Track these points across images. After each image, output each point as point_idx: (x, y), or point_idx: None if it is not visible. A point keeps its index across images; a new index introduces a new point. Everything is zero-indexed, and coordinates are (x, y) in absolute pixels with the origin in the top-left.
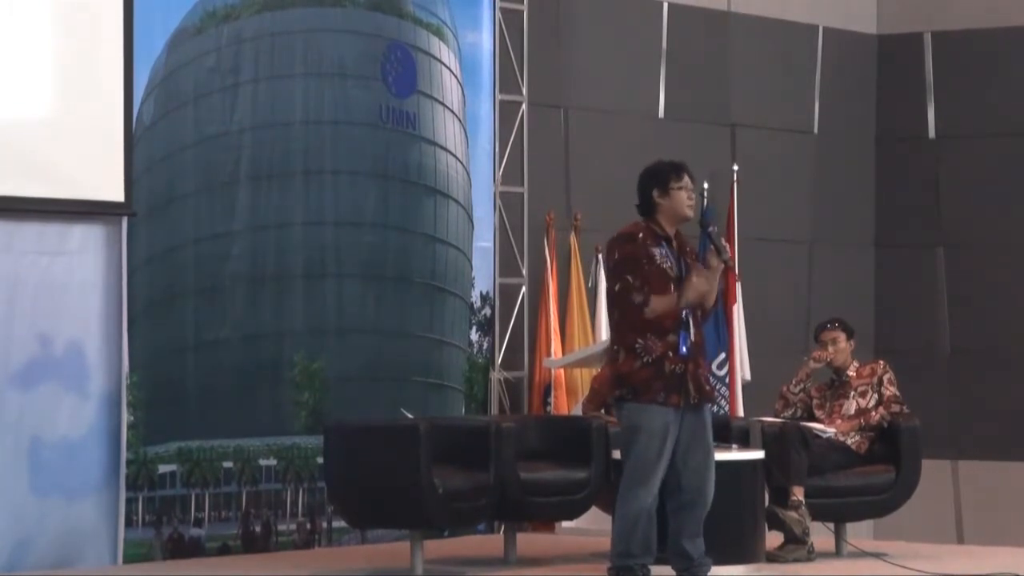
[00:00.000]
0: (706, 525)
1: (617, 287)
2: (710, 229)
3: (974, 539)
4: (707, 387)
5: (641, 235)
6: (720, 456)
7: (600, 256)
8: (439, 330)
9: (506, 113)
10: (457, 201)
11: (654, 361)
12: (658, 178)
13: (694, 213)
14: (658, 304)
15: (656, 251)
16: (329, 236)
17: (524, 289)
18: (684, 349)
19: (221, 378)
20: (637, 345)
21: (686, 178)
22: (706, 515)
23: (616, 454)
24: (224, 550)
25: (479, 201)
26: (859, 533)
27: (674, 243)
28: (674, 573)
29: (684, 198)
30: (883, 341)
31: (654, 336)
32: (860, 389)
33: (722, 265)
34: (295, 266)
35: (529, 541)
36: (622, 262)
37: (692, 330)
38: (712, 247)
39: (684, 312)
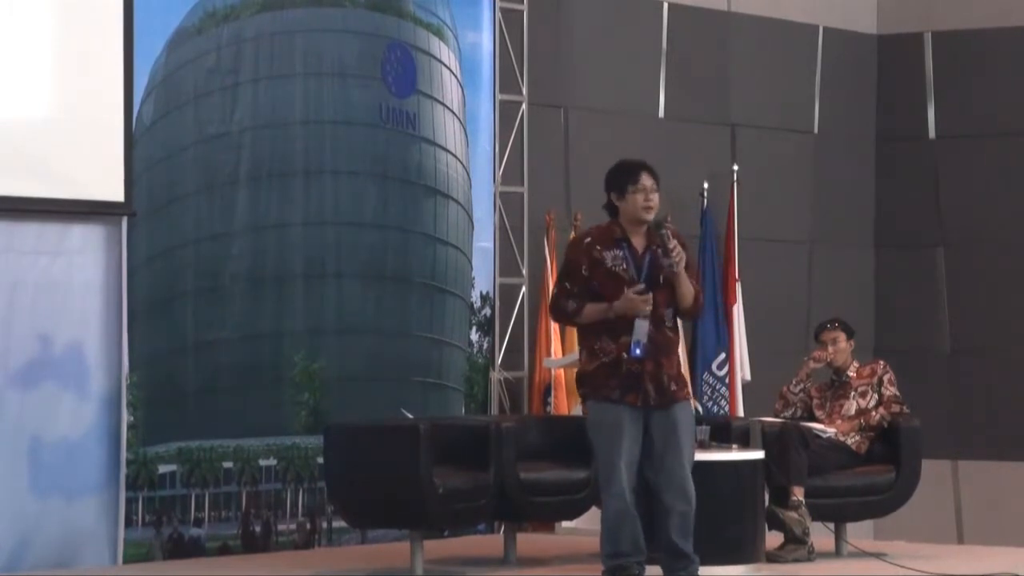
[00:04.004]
0: (706, 525)
1: (554, 291)
2: (662, 231)
3: (974, 539)
4: (672, 387)
5: (589, 239)
6: (720, 456)
7: None
8: (439, 330)
9: (506, 113)
10: (457, 201)
11: (612, 361)
12: (614, 181)
13: (652, 214)
14: (587, 312)
15: (608, 254)
16: (329, 236)
17: (524, 289)
18: (637, 351)
19: (221, 378)
20: (596, 346)
21: (643, 180)
22: (698, 513)
23: None
24: (224, 550)
25: (479, 201)
26: (859, 533)
27: (635, 242)
28: (662, 572)
29: (640, 201)
30: (883, 341)
31: (608, 338)
32: (860, 389)
33: (671, 267)
34: (295, 266)
35: (529, 541)
36: (563, 267)
37: (644, 332)
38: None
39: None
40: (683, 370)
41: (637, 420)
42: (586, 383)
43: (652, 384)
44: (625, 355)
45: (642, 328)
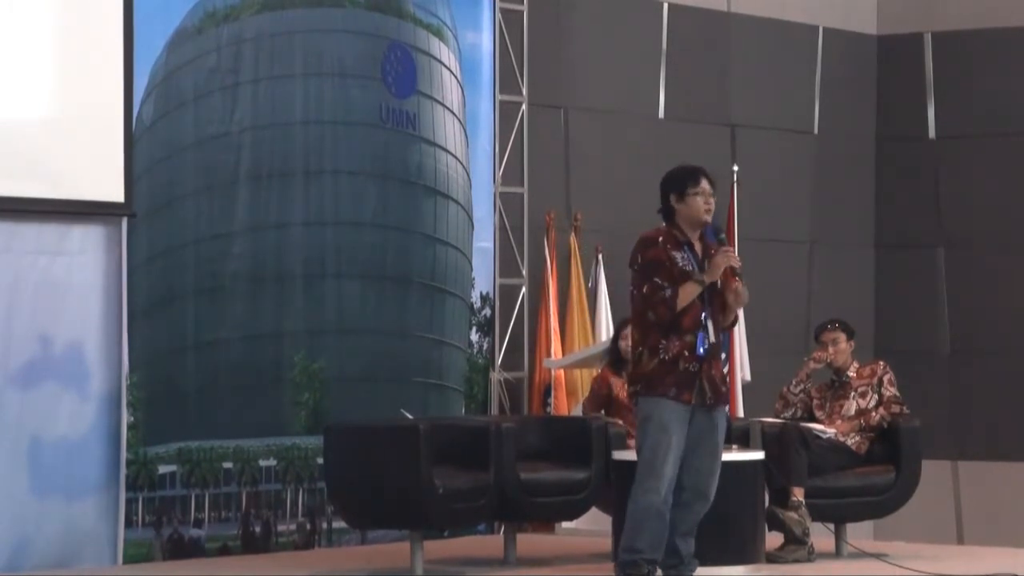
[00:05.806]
0: (706, 525)
1: (646, 289)
2: (721, 235)
3: (974, 539)
4: (723, 389)
5: (661, 239)
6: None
7: (600, 256)
8: (439, 330)
9: (506, 113)
10: (457, 201)
11: (670, 359)
12: (675, 184)
13: (710, 217)
14: (683, 293)
15: (677, 255)
16: (329, 236)
17: (524, 289)
18: (701, 350)
19: (221, 378)
20: (660, 345)
21: (703, 183)
22: (704, 516)
23: (616, 455)
24: (224, 550)
25: (479, 201)
26: (859, 534)
27: (696, 246)
28: (662, 571)
29: (700, 204)
30: (883, 341)
31: (674, 336)
32: (860, 390)
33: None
34: (295, 266)
35: (529, 541)
36: (647, 266)
37: (711, 332)
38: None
39: (703, 314)
40: None
41: (686, 419)
42: (641, 380)
43: (708, 384)
44: (687, 352)
45: (710, 328)
